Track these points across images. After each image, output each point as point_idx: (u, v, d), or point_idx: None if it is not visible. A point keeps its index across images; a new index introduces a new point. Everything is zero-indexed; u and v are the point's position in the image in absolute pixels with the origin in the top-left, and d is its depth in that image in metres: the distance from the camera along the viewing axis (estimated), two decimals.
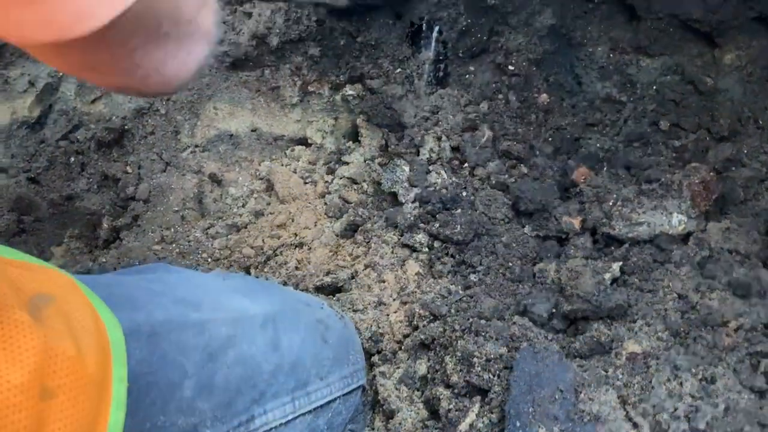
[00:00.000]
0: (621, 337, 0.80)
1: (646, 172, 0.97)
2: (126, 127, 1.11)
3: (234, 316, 0.64)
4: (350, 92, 1.09)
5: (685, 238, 0.91)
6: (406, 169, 1.04)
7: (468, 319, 0.83)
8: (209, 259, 1.04)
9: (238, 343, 0.63)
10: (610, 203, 0.94)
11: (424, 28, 1.06)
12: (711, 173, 0.96)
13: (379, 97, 1.08)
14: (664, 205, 0.92)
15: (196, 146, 1.11)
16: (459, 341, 0.80)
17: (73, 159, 1.10)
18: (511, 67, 1.08)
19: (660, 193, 0.93)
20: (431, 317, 0.86)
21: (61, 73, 1.13)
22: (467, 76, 1.08)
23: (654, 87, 1.07)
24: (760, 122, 1.03)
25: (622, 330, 0.81)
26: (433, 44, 1.06)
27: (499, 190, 1.00)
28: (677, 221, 0.90)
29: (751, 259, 0.89)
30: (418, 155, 1.04)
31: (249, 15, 1.07)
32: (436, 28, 1.06)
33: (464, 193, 1.00)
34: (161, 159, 1.10)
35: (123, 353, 0.49)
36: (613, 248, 0.92)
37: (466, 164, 1.03)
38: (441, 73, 1.08)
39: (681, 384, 0.75)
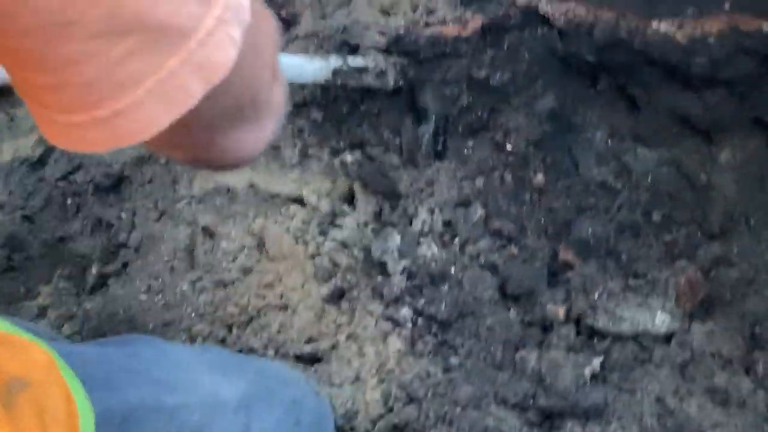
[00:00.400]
0: None
1: (634, 266, 0.98)
2: (125, 173, 1.12)
3: (207, 401, 0.64)
4: (349, 158, 1.11)
5: (667, 338, 0.91)
6: (397, 239, 1.04)
7: (444, 406, 0.83)
8: (193, 314, 1.04)
9: (209, 431, 0.63)
10: (596, 295, 0.94)
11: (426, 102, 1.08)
12: (698, 272, 0.96)
13: (377, 164, 1.09)
14: (648, 302, 0.93)
15: (193, 197, 1.12)
16: (432, 429, 0.80)
17: (69, 200, 1.11)
18: (509, 146, 1.09)
19: (646, 289, 0.94)
20: (407, 399, 0.86)
21: None
22: (465, 151, 1.09)
23: (649, 177, 1.08)
24: (752, 222, 1.04)
25: (596, 431, 0.81)
26: (433, 118, 1.07)
27: (487, 270, 1.00)
28: (660, 321, 0.91)
29: (733, 365, 0.89)
30: (411, 226, 1.05)
31: None
32: (438, 103, 1.07)
33: (452, 270, 1.00)
34: (156, 208, 1.11)
35: None
36: (595, 341, 0.92)
37: (456, 240, 1.03)
38: (439, 147, 1.09)
39: None
